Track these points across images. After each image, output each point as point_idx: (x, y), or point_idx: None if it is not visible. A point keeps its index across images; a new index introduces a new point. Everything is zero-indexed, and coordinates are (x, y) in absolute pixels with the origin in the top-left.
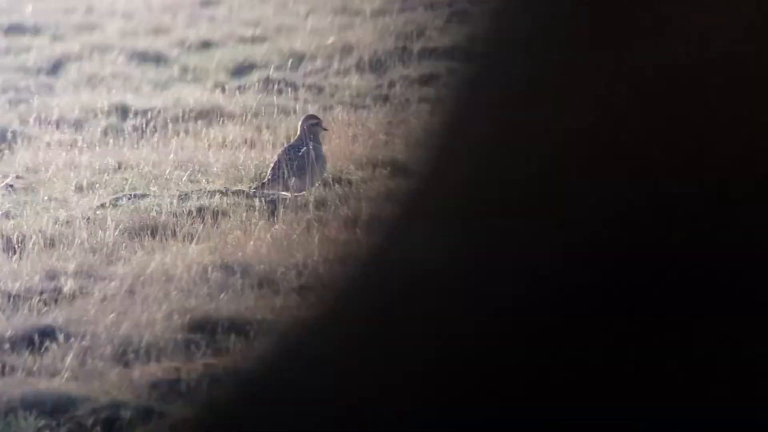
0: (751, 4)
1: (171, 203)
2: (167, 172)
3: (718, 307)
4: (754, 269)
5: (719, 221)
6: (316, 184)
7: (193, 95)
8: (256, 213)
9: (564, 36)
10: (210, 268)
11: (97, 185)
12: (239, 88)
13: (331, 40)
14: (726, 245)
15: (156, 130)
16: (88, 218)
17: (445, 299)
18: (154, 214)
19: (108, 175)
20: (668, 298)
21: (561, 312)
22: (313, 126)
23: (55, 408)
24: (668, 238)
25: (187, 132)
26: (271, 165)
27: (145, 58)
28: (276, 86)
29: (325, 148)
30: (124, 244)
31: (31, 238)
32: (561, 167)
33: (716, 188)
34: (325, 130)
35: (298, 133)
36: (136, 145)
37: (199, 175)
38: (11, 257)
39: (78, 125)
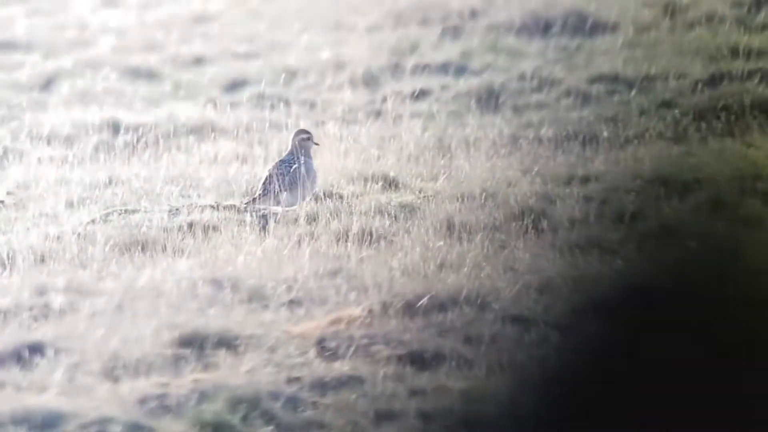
0: None
1: (161, 218)
2: (158, 187)
3: None
4: None
5: None
6: (308, 199)
7: (186, 111)
8: (247, 228)
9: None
10: (200, 283)
11: (88, 201)
12: (232, 103)
13: (324, 55)
14: None
15: (147, 146)
16: (79, 234)
17: None
18: (144, 229)
19: (99, 191)
20: None
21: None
22: (304, 140)
23: (45, 423)
24: None
25: (178, 148)
26: (263, 180)
27: (137, 74)
28: (269, 102)
29: (316, 162)
30: (114, 260)
31: (21, 253)
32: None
33: None
34: (316, 144)
35: (289, 147)
36: (127, 161)
37: (191, 191)
38: (1, 273)
39: (69, 141)
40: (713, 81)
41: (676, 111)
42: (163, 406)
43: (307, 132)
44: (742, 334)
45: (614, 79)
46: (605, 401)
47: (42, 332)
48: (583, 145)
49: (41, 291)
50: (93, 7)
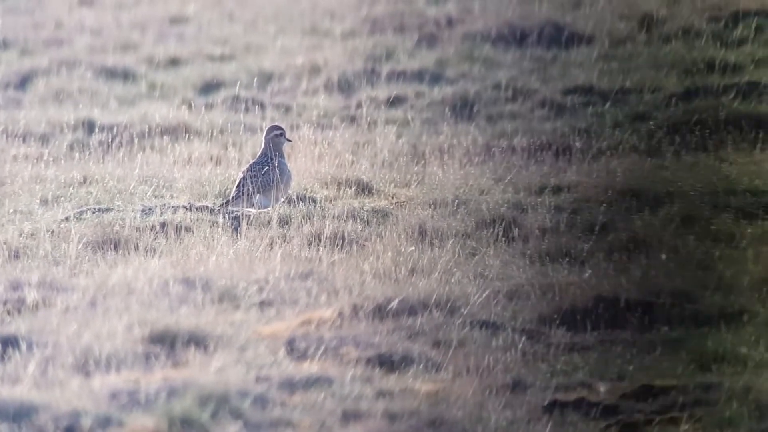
0: None
1: (134, 218)
2: (132, 187)
3: None
4: None
5: None
6: (281, 201)
7: (160, 112)
8: (220, 229)
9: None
10: (171, 282)
11: (62, 199)
12: (206, 105)
13: (299, 60)
14: None
15: (122, 146)
16: (53, 231)
17: None
18: (117, 228)
19: (73, 189)
20: None
21: None
22: (276, 137)
23: (17, 415)
24: None
25: (152, 148)
26: (236, 182)
27: (112, 74)
28: (243, 104)
29: (290, 165)
30: (87, 257)
31: None
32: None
33: None
34: (288, 140)
35: (262, 146)
36: (101, 160)
37: (164, 191)
38: None
39: (44, 139)
40: (688, 95)
41: (650, 124)
42: (134, 401)
43: (279, 128)
44: (710, 347)
45: (589, 90)
46: (569, 407)
47: (15, 326)
48: (556, 156)
49: (15, 286)
50: (69, 7)
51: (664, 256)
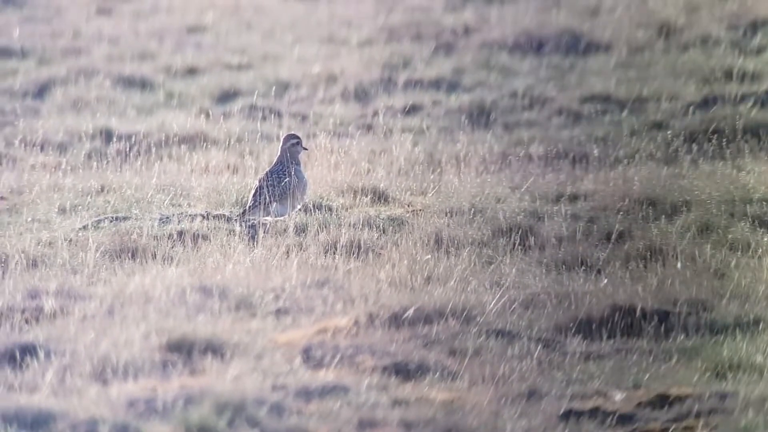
0: None
1: (152, 226)
2: (149, 195)
3: None
4: None
5: None
6: (298, 208)
7: (178, 120)
8: (236, 237)
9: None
10: (188, 290)
11: (80, 207)
12: (224, 114)
13: (316, 69)
14: None
15: (139, 154)
16: (70, 240)
17: None
18: (135, 236)
19: (91, 198)
20: None
21: None
22: (293, 146)
23: (35, 423)
24: None
25: (170, 156)
26: (253, 190)
27: (130, 83)
28: (260, 113)
29: (307, 174)
30: (104, 266)
31: (13, 257)
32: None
33: None
34: (305, 149)
35: (278, 154)
36: (119, 169)
37: (181, 199)
38: None
39: (62, 148)
40: (706, 103)
41: (668, 132)
42: (151, 409)
43: (296, 137)
44: (726, 356)
45: (606, 99)
46: (584, 415)
47: (34, 334)
48: (572, 164)
49: (33, 294)
50: (87, 16)
51: (680, 265)
